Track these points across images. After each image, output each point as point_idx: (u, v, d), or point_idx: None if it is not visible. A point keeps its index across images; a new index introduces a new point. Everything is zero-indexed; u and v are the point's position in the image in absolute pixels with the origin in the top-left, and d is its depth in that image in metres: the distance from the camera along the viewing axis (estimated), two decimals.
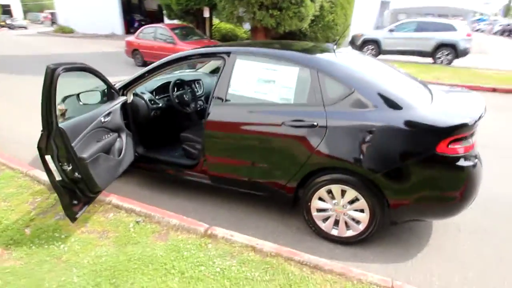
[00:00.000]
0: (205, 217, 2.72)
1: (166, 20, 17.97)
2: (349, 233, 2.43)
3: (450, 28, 11.07)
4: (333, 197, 2.38)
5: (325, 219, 2.49)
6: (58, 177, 2.23)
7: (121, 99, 2.91)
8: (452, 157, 2.06)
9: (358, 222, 2.37)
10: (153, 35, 10.71)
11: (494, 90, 7.82)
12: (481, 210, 2.85)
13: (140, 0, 27.64)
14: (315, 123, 2.27)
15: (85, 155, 2.28)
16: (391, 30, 12.17)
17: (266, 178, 2.58)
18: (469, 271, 2.24)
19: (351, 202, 2.33)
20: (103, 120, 2.60)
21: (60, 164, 2.19)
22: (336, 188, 2.33)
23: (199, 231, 2.47)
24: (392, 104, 2.17)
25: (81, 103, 2.83)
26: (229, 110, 2.58)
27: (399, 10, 24.61)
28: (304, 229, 2.64)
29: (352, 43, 13.05)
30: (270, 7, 10.39)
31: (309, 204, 2.46)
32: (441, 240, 2.55)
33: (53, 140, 2.11)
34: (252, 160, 2.58)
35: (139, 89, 3.19)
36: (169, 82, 3.49)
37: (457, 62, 11.18)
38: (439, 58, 11.14)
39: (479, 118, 2.15)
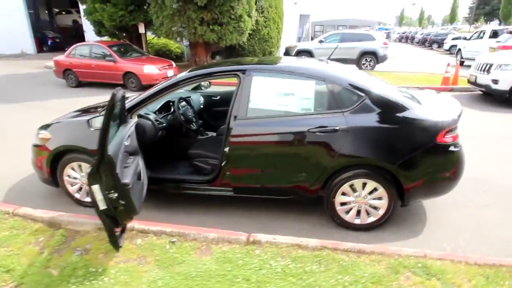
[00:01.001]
0: (232, 228, 2.82)
1: (90, 37, 16.85)
2: (370, 219, 2.81)
3: (370, 38, 12.75)
4: (354, 190, 2.74)
5: (347, 211, 2.82)
6: (102, 206, 2.15)
7: (133, 121, 2.86)
8: (447, 145, 2.59)
9: (377, 208, 2.76)
10: (88, 53, 10.03)
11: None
12: (469, 188, 3.50)
13: (51, 16, 25.25)
14: (337, 128, 2.61)
15: (127, 180, 2.24)
16: (321, 41, 13.44)
17: (291, 183, 2.82)
18: (465, 234, 2.80)
19: (371, 192, 2.72)
20: (126, 144, 2.55)
21: (107, 192, 2.12)
22: (358, 182, 2.69)
23: (241, 240, 2.58)
24: (400, 106, 2.62)
25: (92, 129, 2.70)
26: (253, 124, 2.76)
27: (316, 23, 27.12)
28: (327, 224, 2.94)
29: (287, 54, 14.02)
30: (211, 23, 10.64)
31: (334, 200, 2.77)
32: (438, 215, 3.10)
33: (102, 168, 2.05)
34: (277, 168, 2.80)
35: (143, 110, 3.15)
36: (169, 102, 3.50)
37: (378, 67, 12.87)
38: (364, 64, 12.69)
39: (461, 113, 2.75)
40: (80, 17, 19.38)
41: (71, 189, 3.25)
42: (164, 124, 3.33)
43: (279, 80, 2.80)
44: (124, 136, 2.56)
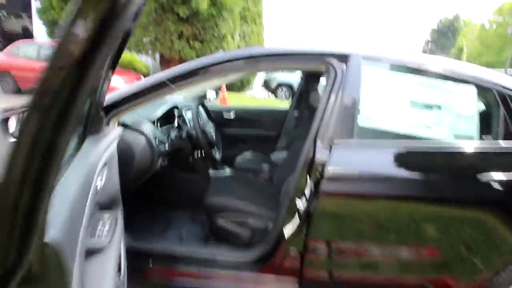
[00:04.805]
0: None
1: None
2: None
3: None
4: None
5: None
6: None
7: (114, 133, 1.34)
8: None
9: None
10: (36, 55, 8.11)
11: None
12: None
13: None
14: None
15: None
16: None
17: (436, 273, 1.45)
18: None
19: None
20: (98, 186, 1.02)
21: None
22: None
23: None
24: None
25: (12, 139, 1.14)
26: (366, 156, 1.41)
27: None
28: None
29: (266, 86, 13.10)
30: (191, 38, 9.39)
31: None
32: None
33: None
34: (412, 244, 1.43)
35: (129, 116, 1.64)
36: (174, 108, 2.02)
37: None
38: None
39: None
40: (31, 23, 17.21)
41: None
42: (167, 147, 1.83)
43: (411, 80, 1.51)
44: (96, 166, 1.04)
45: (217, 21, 9.27)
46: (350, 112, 1.43)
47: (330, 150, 1.38)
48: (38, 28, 12.69)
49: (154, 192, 1.98)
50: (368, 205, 1.43)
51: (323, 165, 1.38)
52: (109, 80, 1.25)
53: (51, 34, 10.99)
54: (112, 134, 1.27)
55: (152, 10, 8.86)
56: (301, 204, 1.41)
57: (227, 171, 2.57)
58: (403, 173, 1.40)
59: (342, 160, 1.40)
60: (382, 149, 1.42)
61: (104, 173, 1.10)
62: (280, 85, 12.65)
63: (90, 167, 0.96)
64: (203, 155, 2.04)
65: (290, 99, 11.20)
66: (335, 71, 1.48)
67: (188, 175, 2.18)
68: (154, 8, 8.86)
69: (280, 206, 1.58)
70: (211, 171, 2.30)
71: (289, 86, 12.49)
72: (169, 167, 1.91)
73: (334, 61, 1.49)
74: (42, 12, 10.35)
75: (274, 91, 12.57)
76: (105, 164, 1.11)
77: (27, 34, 19.50)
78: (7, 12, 21.95)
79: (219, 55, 1.58)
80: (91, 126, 1.22)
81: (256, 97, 12.65)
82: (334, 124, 1.41)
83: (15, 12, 22.02)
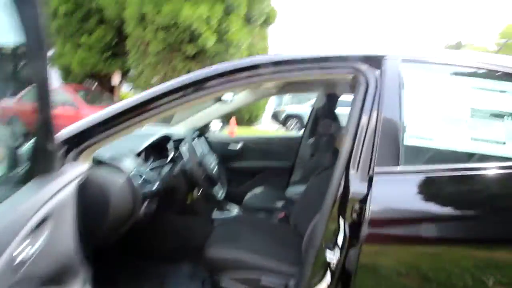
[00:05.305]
0: None
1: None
2: None
3: None
4: None
5: None
6: None
7: (74, 171, 1.01)
8: None
9: None
10: None
11: None
12: None
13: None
14: None
15: None
16: (312, 105, 12.54)
17: None
18: None
19: None
20: (17, 262, 0.66)
21: None
22: None
23: None
24: None
25: None
26: (422, 187, 1.03)
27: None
28: None
29: (275, 118, 12.93)
30: None
31: None
32: None
33: None
34: None
35: (102, 150, 1.31)
36: (165, 138, 1.70)
37: None
38: None
39: None
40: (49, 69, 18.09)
41: None
42: (156, 186, 1.47)
43: (470, 83, 1.15)
44: (20, 224, 0.69)
45: (224, 57, 9.28)
46: (392, 129, 1.06)
47: (370, 182, 1.00)
48: (53, 74, 13.12)
49: (143, 242, 1.61)
50: (431, 255, 1.02)
51: (362, 203, 0.99)
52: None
53: (65, 79, 11.26)
54: (68, 175, 0.93)
55: (160, 50, 8.96)
56: (333, 256, 1.02)
57: (234, 211, 2.18)
58: (476, 208, 1.00)
59: (389, 194, 1.01)
60: (442, 177, 1.03)
61: (44, 232, 0.75)
62: (289, 116, 12.43)
63: (6, 228, 0.61)
64: (204, 194, 1.68)
65: (302, 131, 10.90)
66: (366, 80, 1.13)
67: (185, 219, 1.81)
68: (163, 47, 8.98)
69: (304, 258, 1.18)
70: (215, 213, 1.91)
71: (299, 118, 12.25)
72: (162, 211, 1.54)
73: (364, 67, 1.15)
74: (56, 58, 10.66)
75: (283, 123, 12.34)
76: (45, 219, 0.76)
77: None
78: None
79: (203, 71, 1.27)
80: (38, 165, 0.88)
81: (266, 130, 12.43)
82: (372, 148, 1.04)
83: None
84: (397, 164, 1.03)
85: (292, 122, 12.42)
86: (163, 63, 9.10)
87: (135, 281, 1.59)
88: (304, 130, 2.70)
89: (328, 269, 1.04)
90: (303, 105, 13.21)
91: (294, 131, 11.74)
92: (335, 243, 1.03)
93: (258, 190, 2.32)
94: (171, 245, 1.75)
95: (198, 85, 1.21)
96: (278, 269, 1.31)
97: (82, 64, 10.04)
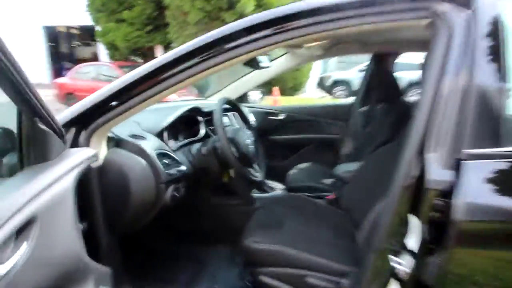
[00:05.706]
0: None
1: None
2: None
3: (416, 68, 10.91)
4: None
5: None
6: None
7: (75, 157, 0.85)
8: None
9: None
10: (93, 75, 8.48)
11: None
12: None
13: (71, 48, 25.17)
14: None
15: None
16: (361, 70, 11.67)
17: None
18: None
19: None
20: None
21: None
22: None
23: None
24: None
25: None
26: None
27: None
28: None
29: (321, 84, 12.30)
30: None
31: None
32: None
33: None
34: None
35: (120, 129, 1.14)
36: (196, 111, 1.52)
37: None
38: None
39: None
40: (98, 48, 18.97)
41: None
42: (184, 168, 1.31)
43: None
44: (5, 222, 0.54)
45: None
46: (490, 97, 0.75)
47: (457, 169, 0.72)
48: (102, 51, 13.62)
49: (177, 226, 1.49)
50: None
51: (446, 195, 0.72)
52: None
53: (112, 56, 11.61)
54: (65, 163, 0.77)
55: (199, 19, 8.77)
56: (401, 265, 0.77)
57: (277, 188, 1.98)
58: None
59: (484, 184, 0.72)
60: None
61: (31, 235, 0.60)
62: (336, 82, 11.75)
63: None
64: (240, 174, 1.49)
65: (351, 99, 10.26)
66: (450, 26, 0.80)
67: (222, 199, 1.65)
68: (202, 16, 8.78)
69: (361, 261, 0.95)
70: (254, 193, 1.73)
71: (347, 84, 11.53)
72: (193, 193, 1.39)
73: (446, 7, 0.81)
74: (101, 35, 10.96)
75: (329, 91, 11.71)
76: (33, 219, 0.60)
77: (95, 59, 21.55)
78: (80, 40, 24.68)
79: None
80: (32, 152, 0.73)
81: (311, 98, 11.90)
82: (460, 123, 0.74)
83: (86, 41, 24.59)
84: (497, 144, 0.73)
85: (338, 89, 11.74)
86: (203, 32, 8.90)
87: (170, 266, 1.49)
88: (356, 98, 2.35)
89: (395, 279, 0.80)
90: (351, 71, 12.35)
91: (341, 99, 11.10)
92: (404, 247, 0.78)
93: (302, 166, 2.10)
94: (207, 228, 1.62)
95: (233, 40, 0.97)
96: (328, 267, 1.10)
97: (125, 39, 10.21)
